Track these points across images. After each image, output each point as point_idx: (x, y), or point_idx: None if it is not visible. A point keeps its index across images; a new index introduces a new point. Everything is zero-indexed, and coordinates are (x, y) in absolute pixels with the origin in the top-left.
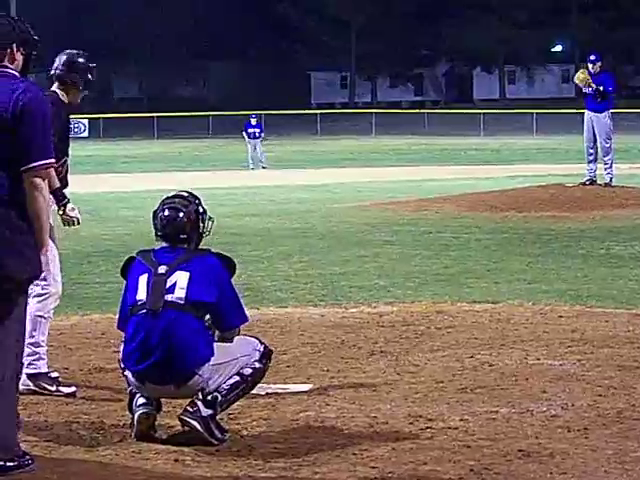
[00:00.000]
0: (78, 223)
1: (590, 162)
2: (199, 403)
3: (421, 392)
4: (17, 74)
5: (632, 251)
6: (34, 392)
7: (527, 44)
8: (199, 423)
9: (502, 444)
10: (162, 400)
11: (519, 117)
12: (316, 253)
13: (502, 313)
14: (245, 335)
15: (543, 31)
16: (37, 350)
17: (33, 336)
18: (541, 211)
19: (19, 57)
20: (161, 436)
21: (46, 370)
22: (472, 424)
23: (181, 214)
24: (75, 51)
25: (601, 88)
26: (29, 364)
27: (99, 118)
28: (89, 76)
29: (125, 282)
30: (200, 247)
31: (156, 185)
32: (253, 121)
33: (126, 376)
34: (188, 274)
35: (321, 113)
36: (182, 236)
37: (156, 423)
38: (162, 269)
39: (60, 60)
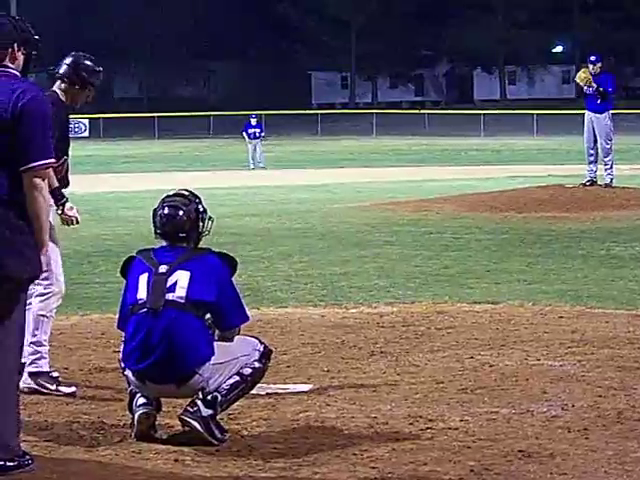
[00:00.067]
0: (77, 222)
1: (590, 163)
2: (199, 403)
3: (421, 392)
4: (18, 74)
5: (632, 252)
6: (34, 391)
7: (528, 44)
8: (199, 423)
9: (502, 445)
10: (162, 400)
11: (519, 118)
12: (316, 253)
13: (502, 314)
14: (245, 335)
15: (544, 31)
16: (39, 349)
17: (35, 335)
18: (541, 212)
19: (20, 57)
20: (161, 436)
21: (48, 369)
22: (472, 425)
23: (181, 212)
24: (82, 54)
25: (601, 89)
26: (31, 363)
27: (99, 118)
28: (95, 79)
29: (125, 281)
30: (200, 246)
31: (156, 185)
32: (253, 121)
33: (126, 375)
34: (189, 273)
35: (321, 113)
36: (181, 234)
37: (156, 423)
38: (163, 268)
39: (67, 61)
